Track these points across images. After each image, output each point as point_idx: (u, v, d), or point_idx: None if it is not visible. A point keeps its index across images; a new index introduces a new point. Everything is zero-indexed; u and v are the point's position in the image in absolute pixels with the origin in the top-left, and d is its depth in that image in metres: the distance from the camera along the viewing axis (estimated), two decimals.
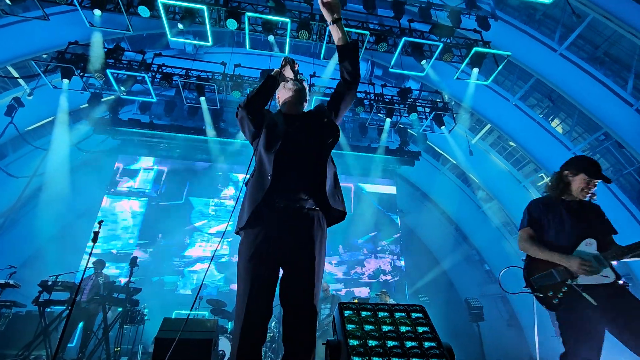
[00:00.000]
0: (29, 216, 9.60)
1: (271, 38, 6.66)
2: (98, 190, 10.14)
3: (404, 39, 6.67)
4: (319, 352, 1.84)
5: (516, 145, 9.52)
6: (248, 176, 1.93)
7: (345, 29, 6.43)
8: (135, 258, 5.44)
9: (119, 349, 5.06)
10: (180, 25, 6.24)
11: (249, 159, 1.97)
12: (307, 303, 1.60)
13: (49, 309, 5.11)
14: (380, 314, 1.95)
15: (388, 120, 8.54)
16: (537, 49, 7.59)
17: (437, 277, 12.15)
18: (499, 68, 6.80)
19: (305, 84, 2.12)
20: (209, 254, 9.83)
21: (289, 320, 1.60)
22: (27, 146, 8.85)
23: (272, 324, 6.42)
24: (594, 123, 7.69)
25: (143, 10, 5.92)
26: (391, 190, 12.11)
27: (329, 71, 8.30)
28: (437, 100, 8.66)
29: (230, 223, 2.35)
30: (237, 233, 1.82)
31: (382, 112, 8.50)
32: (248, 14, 6.22)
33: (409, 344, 1.75)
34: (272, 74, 2.00)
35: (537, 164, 9.19)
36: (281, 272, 1.74)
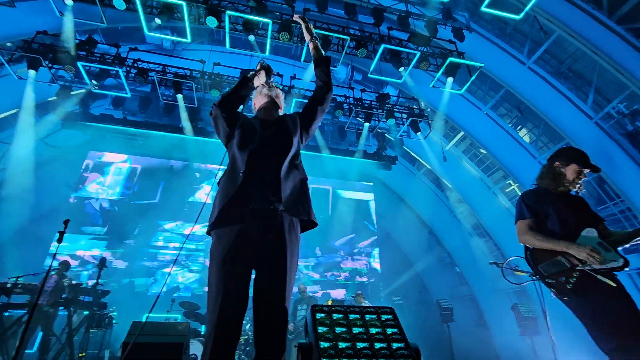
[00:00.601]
0: None
1: (252, 38, 6.63)
2: (65, 188, 9.67)
3: (383, 45, 6.83)
4: (292, 354, 1.86)
5: (487, 153, 9.93)
6: (220, 174, 1.92)
7: (327, 33, 6.54)
8: (104, 259, 5.25)
9: (84, 354, 4.86)
10: (157, 20, 6.10)
11: (226, 159, 1.95)
12: (278, 305, 1.60)
13: (7, 313, 4.83)
14: (352, 316, 2.00)
15: (366, 124, 8.70)
16: (507, 62, 7.98)
17: (411, 279, 12.45)
18: (472, 78, 7.10)
19: (280, 91, 2.18)
20: (184, 256, 9.60)
21: (260, 322, 1.61)
22: None
23: (247, 327, 6.37)
24: (557, 134, 8.15)
25: (118, 3, 5.74)
26: (369, 196, 12.31)
27: (309, 74, 8.34)
28: (414, 106, 8.90)
29: (197, 227, 2.32)
30: (208, 233, 1.79)
31: (360, 116, 8.64)
32: (229, 12, 6.17)
33: (378, 345, 1.81)
34: (248, 75, 2.03)
35: (505, 171, 9.63)
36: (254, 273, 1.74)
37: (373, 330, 1.91)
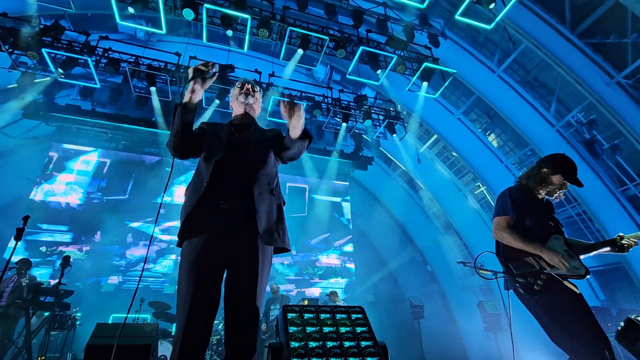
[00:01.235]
0: None
1: (230, 33, 6.52)
2: (26, 182, 9.09)
3: (361, 47, 6.92)
4: (264, 354, 1.87)
5: (458, 156, 10.32)
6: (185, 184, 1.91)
7: (306, 32, 6.54)
8: (67, 257, 4.99)
9: (43, 357, 4.62)
10: (131, 9, 5.86)
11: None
12: (249, 304, 1.60)
13: None
14: (323, 315, 2.05)
15: (344, 124, 8.79)
16: (479, 69, 8.32)
17: (384, 277, 12.73)
18: (446, 84, 7.34)
19: (258, 95, 2.13)
20: (154, 254, 9.31)
21: (231, 322, 1.60)
22: None
23: (220, 327, 6.29)
24: (523, 139, 8.61)
25: None
26: (344, 196, 12.44)
27: (288, 72, 8.32)
28: (391, 109, 9.09)
29: (172, 224, 2.27)
30: (179, 245, 1.74)
31: (338, 116, 8.72)
32: (206, 5, 6.03)
33: (347, 344, 1.86)
34: (179, 103, 1.76)
35: (475, 173, 10.05)
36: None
37: (343, 330, 1.96)
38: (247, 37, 6.56)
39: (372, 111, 8.78)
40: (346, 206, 12.30)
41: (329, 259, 11.34)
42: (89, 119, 8.71)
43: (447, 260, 11.44)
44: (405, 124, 9.16)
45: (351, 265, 11.48)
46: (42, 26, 6.78)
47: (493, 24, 6.55)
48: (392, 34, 7.33)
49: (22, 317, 4.69)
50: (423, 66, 7.04)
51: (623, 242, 2.21)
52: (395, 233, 13.68)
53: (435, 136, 10.78)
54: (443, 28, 8.04)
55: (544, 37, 7.11)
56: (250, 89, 2.07)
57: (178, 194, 10.35)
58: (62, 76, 7.24)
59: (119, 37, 8.62)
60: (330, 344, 1.81)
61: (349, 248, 11.78)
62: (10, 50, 6.54)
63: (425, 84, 7.30)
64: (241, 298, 1.61)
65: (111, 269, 8.90)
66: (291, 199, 11.02)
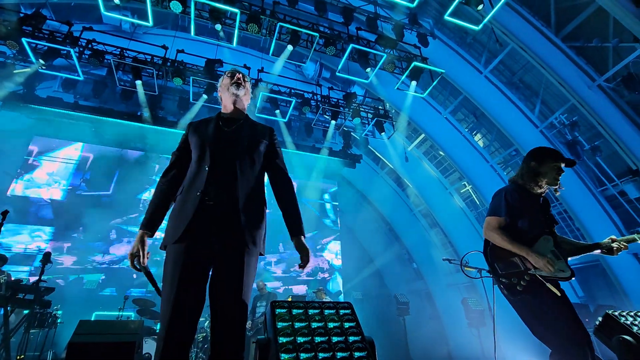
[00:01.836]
0: None
1: (218, 27, 6.41)
2: (5, 176, 8.79)
3: (351, 45, 6.92)
4: (251, 351, 1.86)
5: (445, 155, 10.47)
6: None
7: (296, 28, 6.50)
8: (48, 254, 4.84)
9: (22, 356, 4.49)
10: (116, 0, 5.71)
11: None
12: (236, 301, 1.58)
13: None
14: (311, 311, 2.06)
15: (333, 122, 8.80)
16: (466, 70, 8.45)
17: (371, 275, 12.84)
18: (434, 83, 7.43)
19: (249, 85, 2.08)
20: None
21: (217, 319, 1.57)
22: None
23: (206, 324, 6.23)
24: (507, 140, 8.79)
25: None
26: (333, 193, 12.48)
27: (278, 68, 8.26)
28: (379, 107, 9.14)
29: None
30: (162, 248, 1.72)
31: (327, 114, 8.71)
32: None
33: (335, 339, 1.88)
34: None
35: (461, 172, 10.22)
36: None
37: (331, 325, 1.97)
38: (236, 31, 6.47)
39: (361, 109, 8.80)
40: (334, 204, 12.34)
41: (316, 257, 11.37)
42: (71, 112, 8.43)
43: (432, 257, 11.62)
44: (394, 123, 9.23)
45: (338, 262, 11.54)
46: (22, 14, 6.53)
47: (481, 25, 6.65)
48: (382, 32, 7.36)
49: None
50: (412, 65, 7.10)
51: (613, 245, 2.27)
52: (382, 231, 13.81)
53: (422, 135, 10.91)
54: (432, 28, 8.12)
55: (529, 39, 7.26)
56: (242, 79, 2.00)
57: None
58: (44, 67, 6.99)
59: (103, 28, 8.38)
60: (318, 339, 1.82)
61: (336, 246, 11.83)
62: None
63: (414, 83, 7.36)
64: (227, 296, 1.59)
65: (94, 266, 8.70)
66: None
